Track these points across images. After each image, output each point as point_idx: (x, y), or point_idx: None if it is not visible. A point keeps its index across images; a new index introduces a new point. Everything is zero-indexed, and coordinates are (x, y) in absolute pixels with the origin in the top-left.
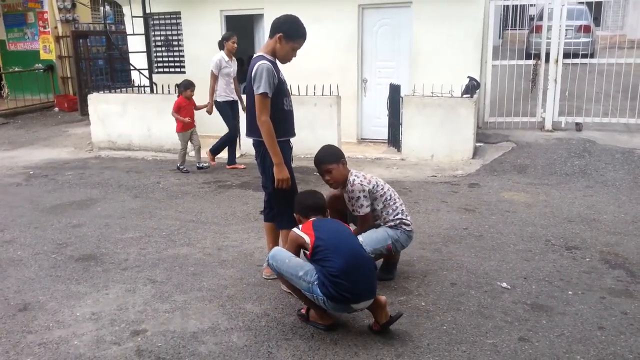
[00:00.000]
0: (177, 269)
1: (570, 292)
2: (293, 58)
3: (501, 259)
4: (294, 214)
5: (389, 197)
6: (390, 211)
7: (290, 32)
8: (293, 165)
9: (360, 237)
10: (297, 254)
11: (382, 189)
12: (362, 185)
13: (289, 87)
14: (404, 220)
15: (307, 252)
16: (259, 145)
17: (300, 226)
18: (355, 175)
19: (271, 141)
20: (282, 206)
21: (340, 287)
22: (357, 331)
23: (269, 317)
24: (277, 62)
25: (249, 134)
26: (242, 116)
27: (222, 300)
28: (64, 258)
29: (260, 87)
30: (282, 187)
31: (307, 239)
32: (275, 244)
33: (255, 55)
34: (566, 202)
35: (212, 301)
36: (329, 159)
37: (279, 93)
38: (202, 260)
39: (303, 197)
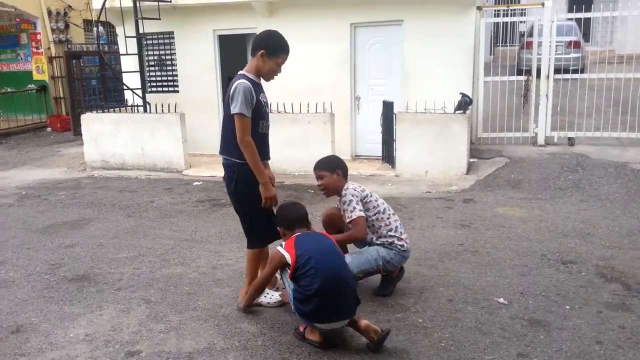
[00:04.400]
0: (172, 289)
1: (567, 307)
2: (279, 74)
3: (497, 274)
4: (278, 228)
5: (382, 211)
6: (383, 225)
7: (273, 48)
8: (287, 182)
9: (348, 258)
10: (275, 271)
11: (376, 200)
12: (355, 190)
13: (268, 109)
14: (398, 239)
15: (289, 271)
16: (230, 167)
17: (283, 243)
18: (350, 184)
19: (255, 161)
20: (252, 225)
21: (312, 305)
22: (355, 349)
23: (265, 337)
24: (262, 81)
25: (224, 153)
26: None
27: (217, 319)
28: (57, 279)
29: (237, 107)
30: (269, 206)
31: (288, 257)
32: (255, 272)
33: (237, 74)
34: (561, 217)
35: (207, 321)
36: (324, 166)
37: (256, 116)
38: (197, 279)
39: (284, 210)
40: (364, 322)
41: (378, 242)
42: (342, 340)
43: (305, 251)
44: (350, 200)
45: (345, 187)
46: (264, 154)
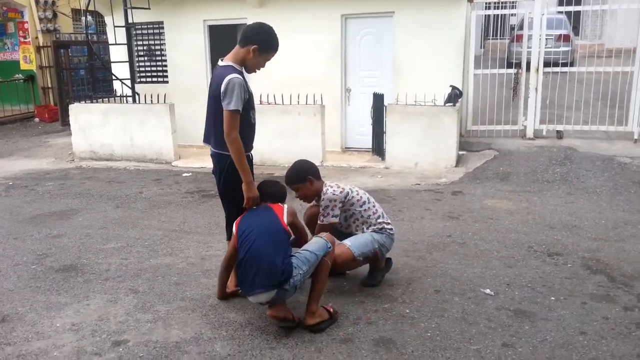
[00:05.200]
0: (160, 279)
1: (552, 298)
2: (262, 68)
3: (484, 265)
4: None
5: (367, 201)
6: (372, 214)
7: (266, 45)
8: (277, 174)
9: (347, 241)
10: (234, 249)
11: (358, 193)
12: (334, 194)
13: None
14: (386, 223)
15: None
16: (220, 158)
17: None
18: (328, 186)
19: (241, 159)
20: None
21: (239, 274)
22: (341, 339)
23: (253, 326)
24: (244, 71)
25: (215, 146)
26: None
27: (205, 309)
28: (44, 269)
29: (232, 104)
30: (251, 205)
31: (234, 229)
32: None
33: (222, 64)
34: (548, 209)
35: (195, 311)
36: (293, 179)
37: (248, 107)
38: (185, 269)
39: (263, 184)
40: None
41: (370, 230)
42: (328, 330)
43: (244, 224)
44: (327, 206)
45: (324, 189)
46: (252, 143)
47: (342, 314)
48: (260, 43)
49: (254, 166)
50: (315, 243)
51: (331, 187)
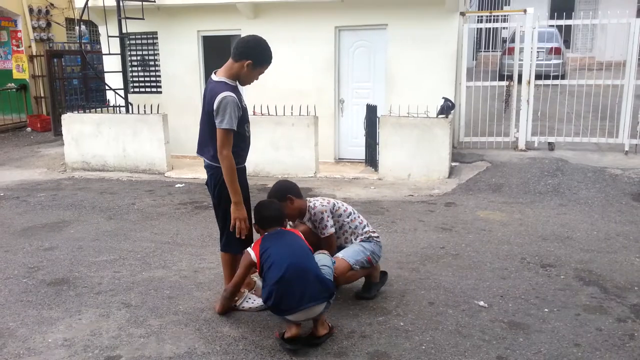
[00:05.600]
0: (153, 292)
1: (546, 310)
2: (255, 81)
3: (478, 277)
4: (254, 224)
5: (352, 212)
6: (358, 224)
7: (260, 60)
8: (270, 185)
9: (339, 254)
10: (247, 273)
11: (342, 205)
12: (322, 206)
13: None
14: (371, 231)
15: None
16: (215, 171)
17: (253, 244)
18: (313, 201)
19: (232, 178)
20: (229, 230)
21: (275, 295)
22: (336, 353)
23: (247, 341)
24: (238, 85)
25: (210, 159)
26: None
27: (198, 323)
28: (36, 282)
29: (224, 122)
30: (240, 227)
31: (253, 256)
32: (232, 275)
33: (216, 79)
34: (540, 221)
35: (188, 325)
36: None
37: (242, 121)
38: (178, 283)
39: (260, 208)
40: (322, 331)
41: (358, 240)
42: (323, 344)
43: (267, 247)
44: (322, 218)
45: (310, 205)
46: (246, 157)
47: (336, 327)
48: (254, 58)
49: (247, 177)
50: (325, 259)
51: (317, 201)
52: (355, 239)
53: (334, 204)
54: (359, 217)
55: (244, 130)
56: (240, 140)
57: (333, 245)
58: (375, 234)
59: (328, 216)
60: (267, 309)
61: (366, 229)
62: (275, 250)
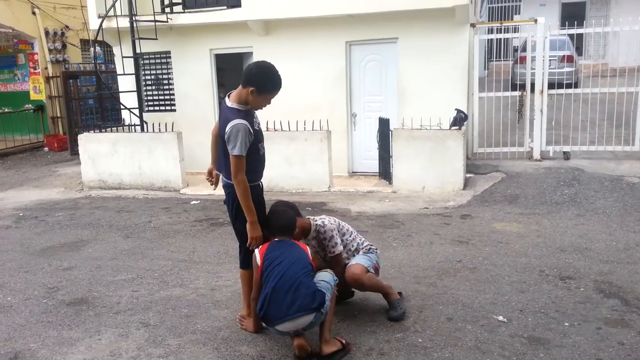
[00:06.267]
0: (170, 311)
1: (566, 324)
2: (268, 105)
3: (496, 291)
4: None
5: (352, 230)
6: (359, 239)
7: (263, 87)
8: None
9: (352, 261)
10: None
11: (345, 224)
12: (331, 224)
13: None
14: (369, 244)
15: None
16: (232, 189)
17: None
18: (320, 219)
19: (247, 201)
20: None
21: (266, 306)
22: None
23: (265, 359)
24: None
25: (228, 177)
26: None
27: (216, 342)
28: (55, 303)
29: (236, 149)
30: (255, 246)
31: (258, 258)
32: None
33: (228, 104)
34: (558, 232)
35: (206, 344)
36: None
37: (256, 140)
38: (196, 301)
39: (273, 215)
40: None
41: (361, 253)
42: None
43: (270, 256)
44: (332, 236)
45: (318, 223)
46: (262, 173)
47: (354, 344)
48: (257, 86)
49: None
50: (326, 275)
51: (323, 220)
52: (357, 254)
53: (339, 223)
54: (354, 232)
55: (258, 148)
56: (254, 158)
57: (340, 263)
58: (374, 246)
59: (336, 234)
60: (261, 320)
61: (365, 242)
62: (278, 260)
